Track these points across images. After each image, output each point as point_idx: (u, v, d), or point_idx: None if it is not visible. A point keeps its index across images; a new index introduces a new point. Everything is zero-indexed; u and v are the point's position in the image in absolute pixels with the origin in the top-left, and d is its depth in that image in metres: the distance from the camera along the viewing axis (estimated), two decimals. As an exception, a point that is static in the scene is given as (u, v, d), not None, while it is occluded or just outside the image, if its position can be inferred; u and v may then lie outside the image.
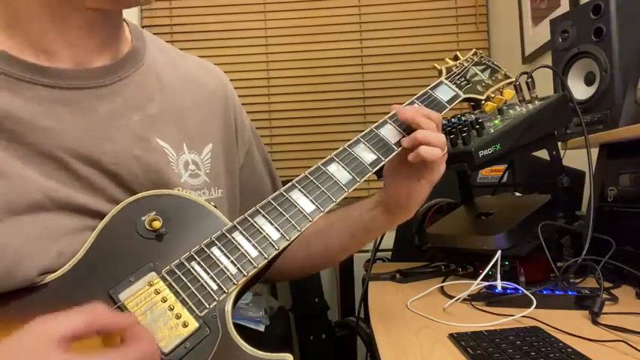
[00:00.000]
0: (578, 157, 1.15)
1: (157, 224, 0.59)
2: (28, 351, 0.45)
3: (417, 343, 0.68)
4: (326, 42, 2.45)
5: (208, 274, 0.58)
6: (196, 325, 0.55)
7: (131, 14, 2.31)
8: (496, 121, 0.98)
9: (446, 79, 0.82)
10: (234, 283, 0.58)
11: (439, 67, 0.84)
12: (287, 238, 0.62)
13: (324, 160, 0.69)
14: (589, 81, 1.22)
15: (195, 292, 0.57)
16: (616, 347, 0.61)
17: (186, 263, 0.58)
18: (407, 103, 0.76)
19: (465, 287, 0.87)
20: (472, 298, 0.86)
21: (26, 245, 0.54)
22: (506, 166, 1.30)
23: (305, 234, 0.64)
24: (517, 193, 1.28)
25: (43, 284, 0.55)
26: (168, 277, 0.57)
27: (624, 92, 1.11)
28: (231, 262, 0.59)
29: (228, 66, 2.27)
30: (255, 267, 0.59)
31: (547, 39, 1.57)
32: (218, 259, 0.59)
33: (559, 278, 0.88)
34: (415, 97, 0.77)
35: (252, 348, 0.56)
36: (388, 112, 0.74)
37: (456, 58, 0.88)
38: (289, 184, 0.66)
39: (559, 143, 1.08)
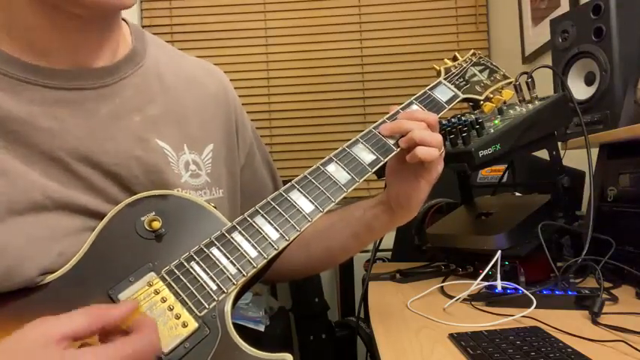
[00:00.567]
0: (578, 157, 1.15)
1: (156, 224, 0.59)
2: (27, 351, 0.45)
3: (417, 343, 0.68)
4: (326, 42, 2.45)
5: (208, 274, 0.58)
6: (196, 325, 0.55)
7: (131, 14, 2.32)
8: (496, 121, 0.98)
9: (445, 79, 0.82)
10: (233, 284, 0.58)
11: (438, 68, 0.84)
12: (286, 238, 0.62)
13: (323, 160, 0.69)
14: (589, 81, 1.22)
15: (195, 292, 0.57)
16: (616, 347, 0.61)
17: (185, 263, 0.58)
18: (406, 103, 0.76)
19: (465, 287, 0.87)
20: (472, 298, 0.86)
21: (27, 245, 0.55)
22: (506, 166, 1.29)
23: (305, 235, 0.64)
24: (517, 193, 1.28)
25: (43, 284, 0.55)
26: (167, 277, 0.57)
27: (624, 92, 1.11)
28: (231, 262, 0.59)
29: (228, 66, 2.28)
30: (254, 267, 0.59)
31: (547, 39, 1.57)
32: (217, 260, 0.59)
33: (559, 278, 0.88)
34: (414, 97, 0.77)
35: (251, 348, 0.56)
36: (388, 112, 0.74)
37: (454, 59, 0.88)
38: (288, 184, 0.66)
39: (559, 143, 1.08)
